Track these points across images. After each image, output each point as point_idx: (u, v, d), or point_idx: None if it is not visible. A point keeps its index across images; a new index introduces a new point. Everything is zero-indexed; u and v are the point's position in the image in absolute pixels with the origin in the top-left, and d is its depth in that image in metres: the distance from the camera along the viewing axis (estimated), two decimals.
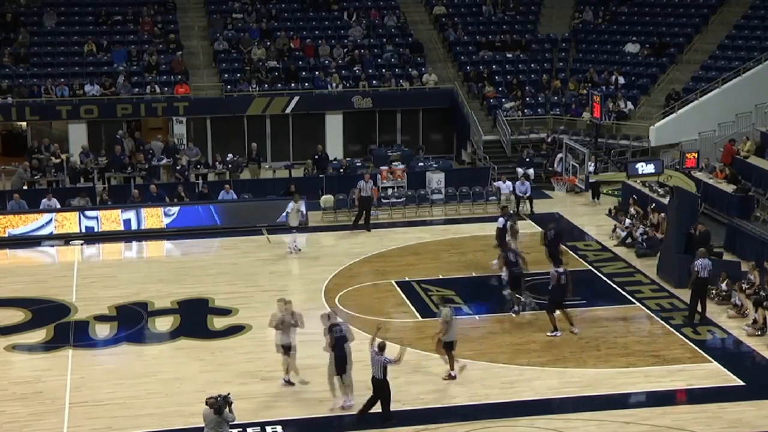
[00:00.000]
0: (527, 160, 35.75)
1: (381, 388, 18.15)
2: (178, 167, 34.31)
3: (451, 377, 19.98)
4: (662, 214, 28.47)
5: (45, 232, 29.75)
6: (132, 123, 38.21)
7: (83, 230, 29.90)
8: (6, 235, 29.56)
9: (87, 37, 40.26)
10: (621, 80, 39.34)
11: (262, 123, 38.54)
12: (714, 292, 24.10)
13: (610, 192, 34.00)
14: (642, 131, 36.74)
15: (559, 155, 35.81)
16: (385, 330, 22.11)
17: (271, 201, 31.71)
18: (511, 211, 31.18)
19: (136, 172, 34.30)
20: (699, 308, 23.15)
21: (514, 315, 23.45)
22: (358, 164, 36.19)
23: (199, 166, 34.90)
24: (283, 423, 18.17)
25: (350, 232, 30.27)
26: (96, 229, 30.05)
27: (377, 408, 18.19)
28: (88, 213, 30.15)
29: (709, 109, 36.02)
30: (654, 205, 29.81)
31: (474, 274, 26.41)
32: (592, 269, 26.84)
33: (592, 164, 34.65)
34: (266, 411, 18.59)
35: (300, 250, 28.44)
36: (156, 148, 35.98)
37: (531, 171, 34.99)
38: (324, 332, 18.97)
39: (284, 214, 29.48)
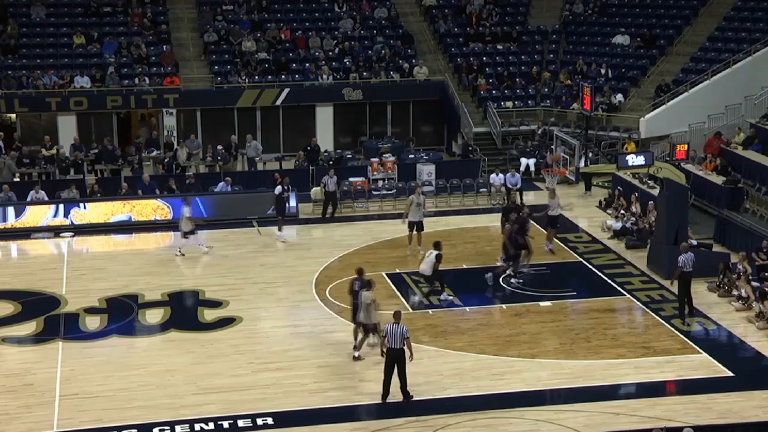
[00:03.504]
0: (528, 151, 35.75)
1: (399, 358, 18.30)
2: (166, 159, 34.20)
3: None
4: (651, 203, 28.57)
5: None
6: (120, 114, 38.19)
7: (72, 222, 29.87)
8: None
9: (76, 28, 40.09)
10: (603, 71, 39.37)
11: (252, 115, 38.47)
12: (717, 284, 24.27)
13: (600, 184, 34.04)
14: (632, 123, 36.79)
15: (552, 147, 35.89)
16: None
17: (261, 193, 31.65)
18: (501, 202, 31.34)
19: (126, 164, 34.20)
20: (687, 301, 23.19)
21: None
22: (348, 156, 36.16)
23: (191, 158, 34.84)
24: (274, 415, 18.17)
25: (340, 224, 30.30)
26: (86, 221, 29.96)
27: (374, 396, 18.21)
28: (78, 205, 30.05)
29: (699, 100, 36.07)
30: (637, 194, 29.92)
31: (464, 266, 26.42)
32: (583, 261, 26.90)
33: (583, 156, 34.75)
34: (257, 403, 18.58)
35: (208, 249, 27.61)
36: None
37: (532, 161, 35.13)
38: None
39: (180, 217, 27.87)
